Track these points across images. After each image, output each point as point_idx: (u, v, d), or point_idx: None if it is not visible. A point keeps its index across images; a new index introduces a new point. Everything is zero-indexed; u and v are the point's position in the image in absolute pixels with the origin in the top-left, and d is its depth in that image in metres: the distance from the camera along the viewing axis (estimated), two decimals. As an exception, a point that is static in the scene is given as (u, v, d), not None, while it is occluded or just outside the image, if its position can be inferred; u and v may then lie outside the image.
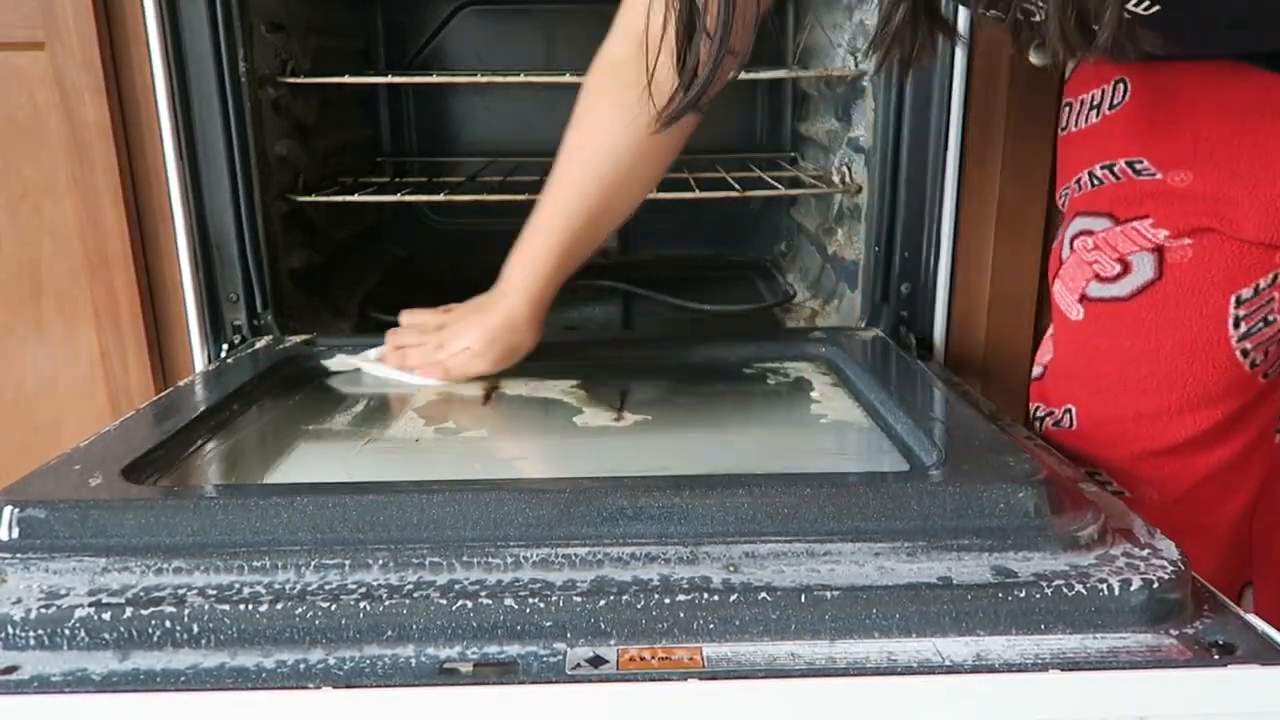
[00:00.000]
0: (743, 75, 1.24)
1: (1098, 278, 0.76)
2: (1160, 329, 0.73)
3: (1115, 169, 0.75)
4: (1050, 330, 0.85)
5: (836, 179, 1.18)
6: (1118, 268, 0.74)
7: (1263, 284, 0.70)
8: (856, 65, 1.10)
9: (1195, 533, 0.76)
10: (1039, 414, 0.84)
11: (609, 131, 0.82)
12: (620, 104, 0.79)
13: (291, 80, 1.11)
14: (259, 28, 1.04)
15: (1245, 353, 0.72)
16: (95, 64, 0.91)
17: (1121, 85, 0.76)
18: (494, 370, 0.89)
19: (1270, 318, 0.71)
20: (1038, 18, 0.59)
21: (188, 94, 0.93)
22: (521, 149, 1.51)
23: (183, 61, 0.93)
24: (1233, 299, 0.71)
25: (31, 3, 0.90)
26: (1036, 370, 0.86)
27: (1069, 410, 0.80)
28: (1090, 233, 0.77)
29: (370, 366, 0.93)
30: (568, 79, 1.20)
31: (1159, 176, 0.72)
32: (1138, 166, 0.74)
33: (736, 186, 1.19)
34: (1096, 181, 0.77)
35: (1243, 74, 0.68)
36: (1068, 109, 0.81)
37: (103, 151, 0.93)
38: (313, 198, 1.14)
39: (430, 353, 0.89)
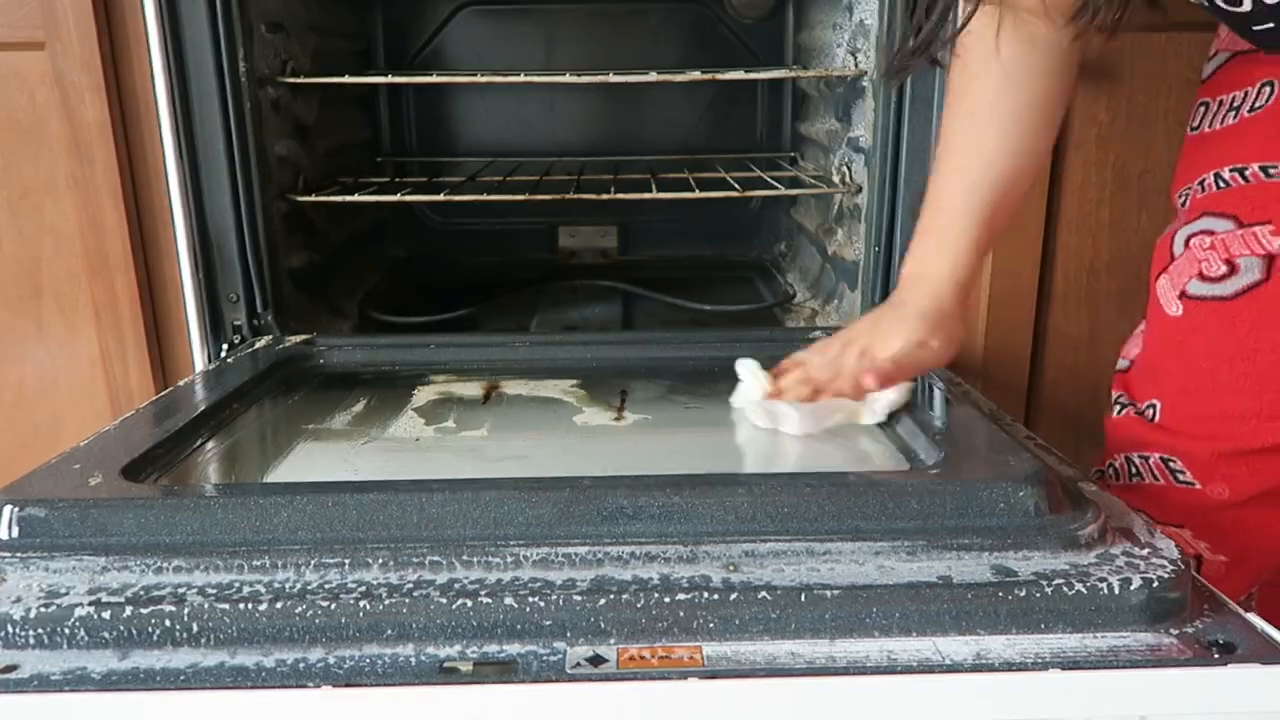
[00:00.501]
0: (742, 75, 1.25)
1: (1201, 276, 0.75)
2: (1261, 330, 0.72)
3: (1247, 172, 0.74)
4: (1142, 325, 0.84)
5: (836, 179, 1.18)
6: (1224, 268, 0.73)
7: None
8: (857, 65, 1.10)
9: (1260, 537, 0.76)
10: (1120, 401, 0.83)
11: (995, 89, 0.75)
12: (996, 59, 0.74)
13: (291, 80, 1.11)
14: (259, 28, 1.04)
15: None
16: (95, 64, 0.91)
17: (1268, 88, 0.74)
18: (943, 363, 0.79)
19: None
20: None
21: (188, 94, 0.94)
22: (521, 149, 1.51)
23: (183, 61, 0.93)
24: None
25: (31, 3, 0.90)
26: (1122, 363, 0.85)
27: (1154, 405, 0.79)
28: (1212, 233, 0.75)
29: (763, 407, 0.78)
30: (568, 79, 1.21)
31: None
32: (1271, 170, 0.73)
33: (736, 186, 1.19)
34: (1224, 184, 0.76)
35: None
36: (1203, 108, 0.80)
37: (103, 151, 0.93)
38: (313, 198, 1.14)
39: (854, 361, 0.77)
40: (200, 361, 0.99)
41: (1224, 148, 0.76)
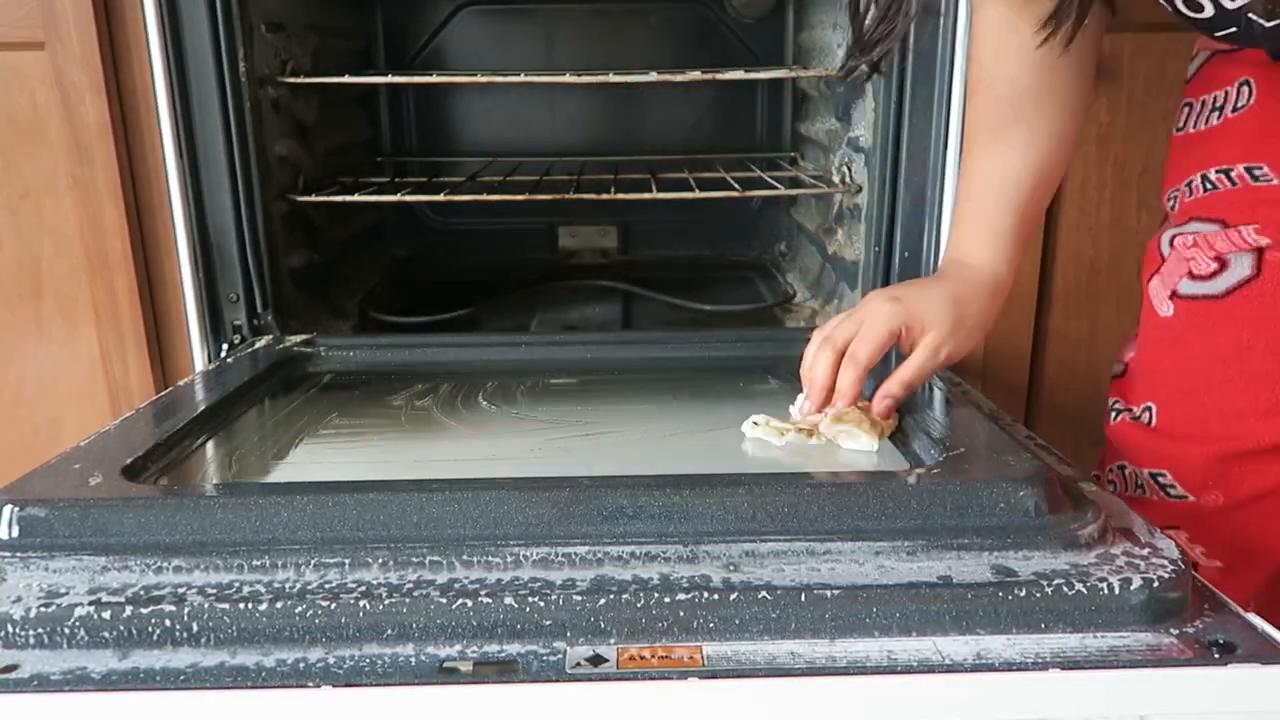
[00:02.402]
0: (743, 75, 1.25)
1: (1190, 275, 0.74)
2: (1254, 327, 0.72)
3: (1232, 174, 0.73)
4: (1136, 329, 0.83)
5: (836, 179, 1.18)
6: (1214, 265, 0.73)
7: None
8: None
9: (1255, 539, 0.75)
10: (1116, 407, 0.82)
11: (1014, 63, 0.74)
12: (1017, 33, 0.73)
13: (291, 80, 1.11)
14: (259, 28, 1.04)
15: None
16: (95, 64, 0.91)
17: (1246, 88, 0.73)
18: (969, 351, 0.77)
19: None
20: None
21: (188, 94, 0.93)
22: (521, 149, 1.51)
23: (183, 61, 0.93)
24: None
25: (31, 3, 0.90)
26: (1117, 368, 0.85)
27: (1149, 408, 0.78)
28: (1199, 234, 0.75)
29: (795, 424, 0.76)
30: (568, 79, 1.21)
31: (1276, 183, 0.71)
32: (1256, 172, 0.72)
33: (736, 186, 1.19)
34: (1211, 186, 0.75)
35: None
36: (1187, 109, 0.79)
37: (103, 151, 0.93)
38: (313, 198, 1.14)
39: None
40: (200, 361, 0.99)
41: (1209, 149, 0.76)
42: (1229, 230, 0.73)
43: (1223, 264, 0.73)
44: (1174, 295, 0.76)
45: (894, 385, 0.75)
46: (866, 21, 0.75)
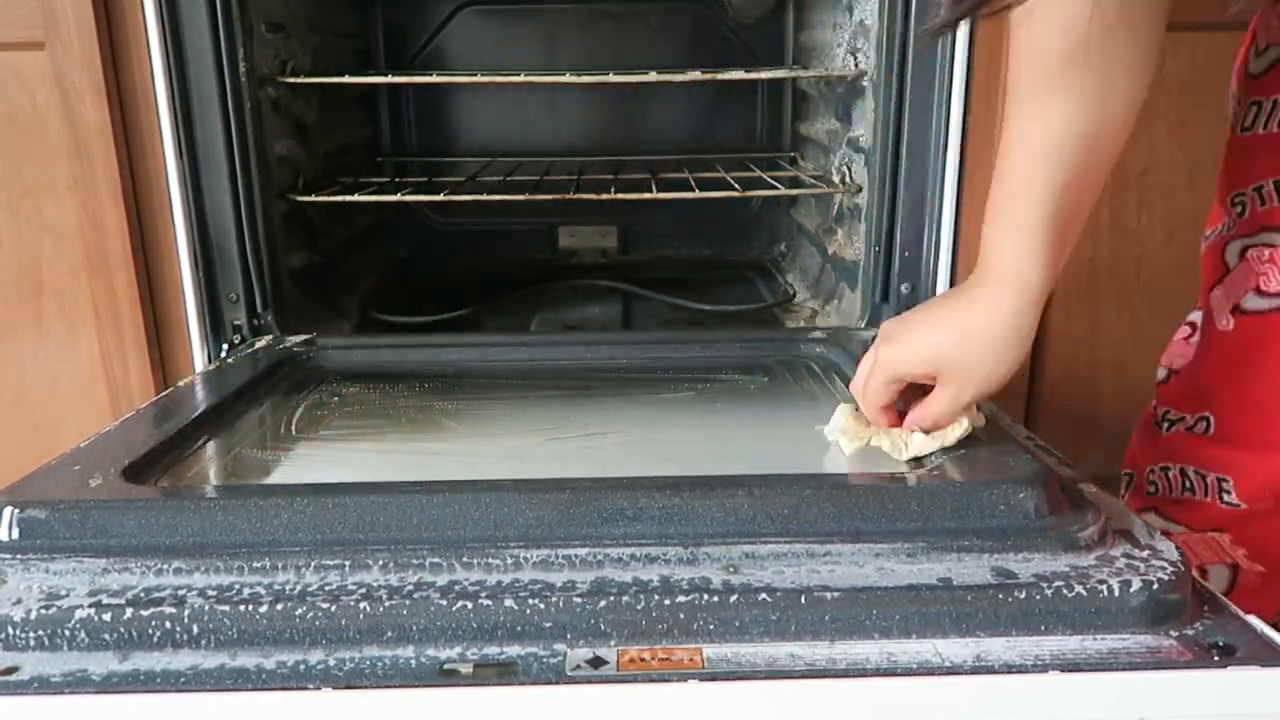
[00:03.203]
0: (743, 75, 1.25)
1: (1258, 290, 0.72)
2: None
3: None
4: (1183, 333, 0.82)
5: (836, 179, 1.18)
6: None
7: None
8: (857, 65, 1.10)
9: None
10: (1169, 417, 0.81)
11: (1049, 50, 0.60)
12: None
13: (291, 80, 1.11)
14: (259, 28, 1.04)
15: None
16: (95, 64, 0.91)
17: None
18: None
19: None
20: None
21: (188, 94, 0.93)
22: (521, 149, 1.51)
23: (183, 61, 0.92)
24: None
25: (31, 3, 0.90)
26: (1161, 373, 0.83)
27: (1205, 418, 0.77)
28: (1273, 246, 0.71)
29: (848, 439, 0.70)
30: (568, 79, 1.20)
31: None
32: None
33: (736, 186, 1.19)
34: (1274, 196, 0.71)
35: None
36: (1255, 107, 0.73)
37: (103, 151, 0.93)
38: (313, 198, 1.14)
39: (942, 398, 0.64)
40: (200, 361, 0.99)
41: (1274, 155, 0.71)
42: None
43: None
44: (1236, 310, 0.73)
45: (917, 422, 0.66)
46: None
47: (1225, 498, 0.75)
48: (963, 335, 0.62)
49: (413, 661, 0.48)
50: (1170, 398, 0.82)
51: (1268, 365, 0.72)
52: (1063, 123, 0.60)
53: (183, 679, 0.47)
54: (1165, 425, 0.81)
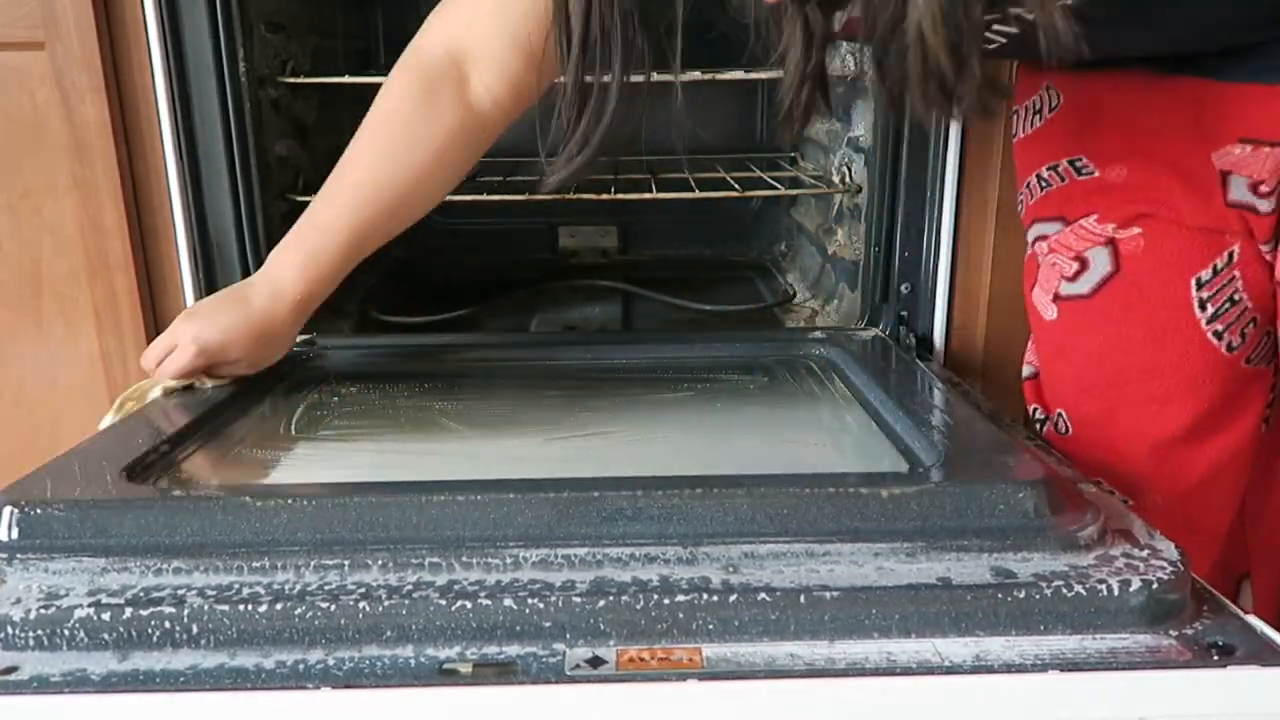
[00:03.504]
0: (743, 75, 1.25)
1: (1063, 278, 0.77)
2: (1127, 320, 0.74)
3: (1059, 169, 0.77)
4: (1031, 336, 0.85)
5: (836, 179, 1.18)
6: (1076, 265, 0.75)
7: (1220, 264, 0.71)
8: (857, 65, 1.10)
9: (1198, 531, 0.76)
10: (1037, 416, 0.84)
11: (415, 135, 0.78)
12: (432, 110, 0.78)
13: (291, 80, 1.11)
14: (259, 28, 1.04)
15: (1219, 334, 0.72)
16: (95, 64, 0.91)
17: (1052, 91, 0.78)
18: (251, 371, 0.81)
19: (1236, 297, 0.71)
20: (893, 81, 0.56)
21: (188, 94, 0.94)
22: (521, 149, 1.50)
23: (183, 61, 0.93)
24: (1192, 282, 0.71)
25: (31, 3, 0.90)
26: (1027, 370, 0.86)
27: (1061, 415, 0.80)
28: (1045, 237, 0.78)
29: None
30: (568, 79, 1.20)
31: (1097, 174, 0.74)
32: (1078, 164, 0.76)
33: (736, 186, 1.19)
34: (1044, 184, 0.78)
35: (1152, 78, 0.71)
36: (1015, 116, 0.83)
37: (103, 151, 0.93)
38: (313, 198, 1.14)
39: (172, 350, 0.79)
40: (200, 361, 0.99)
41: (1038, 150, 0.79)
42: (1075, 225, 0.75)
43: (1083, 263, 0.75)
44: (1056, 298, 0.78)
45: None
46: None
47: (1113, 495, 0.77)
48: (241, 322, 0.78)
49: (412, 661, 0.48)
50: (1037, 394, 0.85)
51: (1088, 350, 0.77)
52: (370, 171, 0.78)
53: (182, 679, 0.47)
54: (1038, 425, 0.84)
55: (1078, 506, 0.57)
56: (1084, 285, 0.75)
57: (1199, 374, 0.73)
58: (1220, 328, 0.72)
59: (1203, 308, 0.72)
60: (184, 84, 0.93)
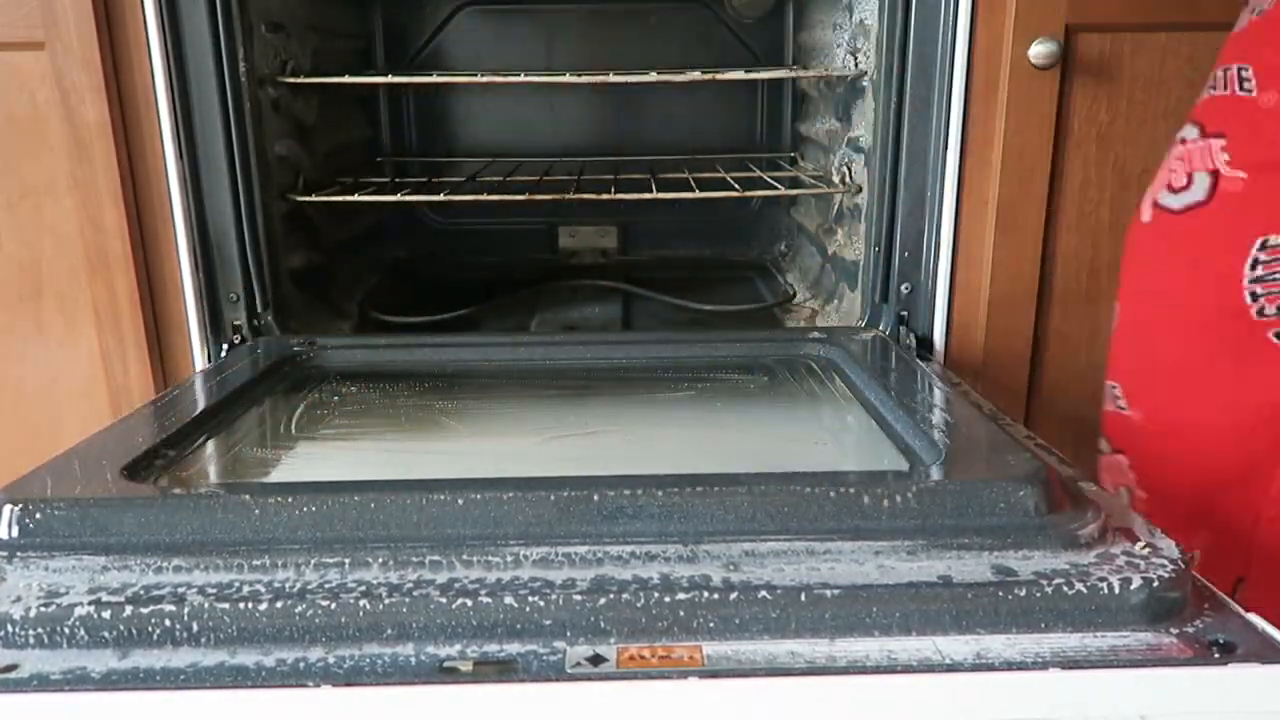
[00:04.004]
0: (743, 75, 1.25)
1: (1169, 187, 0.76)
2: (1189, 248, 0.73)
3: (1228, 74, 0.73)
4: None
5: (836, 179, 1.18)
6: (1185, 180, 0.74)
7: None
8: (857, 65, 1.10)
9: (1174, 471, 0.76)
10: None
11: None
12: None
13: (291, 80, 1.11)
14: (259, 28, 1.04)
15: (1255, 296, 0.71)
16: (95, 64, 0.91)
17: None
18: None
19: None
20: None
21: (188, 94, 0.93)
22: (521, 149, 1.51)
23: (183, 61, 0.93)
24: (1259, 241, 0.70)
25: (31, 3, 0.90)
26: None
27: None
28: (1184, 141, 0.76)
29: None
30: (567, 79, 1.21)
31: (1254, 94, 0.71)
32: (1244, 75, 0.72)
33: (736, 186, 1.19)
34: (1213, 86, 0.75)
35: None
36: (1246, 5, 0.78)
37: (103, 151, 0.93)
38: (313, 198, 1.14)
39: None
40: (200, 361, 0.99)
41: (1231, 48, 0.75)
42: (1206, 142, 0.73)
43: (1190, 180, 0.74)
44: (1155, 204, 0.77)
45: None
46: None
47: (1118, 402, 0.77)
48: None
49: (412, 659, 0.48)
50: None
51: (1162, 261, 0.76)
52: None
53: (182, 676, 0.47)
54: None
55: (1078, 505, 0.57)
56: (1177, 201, 0.74)
57: (1219, 323, 0.72)
58: (1260, 290, 0.71)
59: (1254, 266, 0.71)
60: (184, 84, 0.93)
